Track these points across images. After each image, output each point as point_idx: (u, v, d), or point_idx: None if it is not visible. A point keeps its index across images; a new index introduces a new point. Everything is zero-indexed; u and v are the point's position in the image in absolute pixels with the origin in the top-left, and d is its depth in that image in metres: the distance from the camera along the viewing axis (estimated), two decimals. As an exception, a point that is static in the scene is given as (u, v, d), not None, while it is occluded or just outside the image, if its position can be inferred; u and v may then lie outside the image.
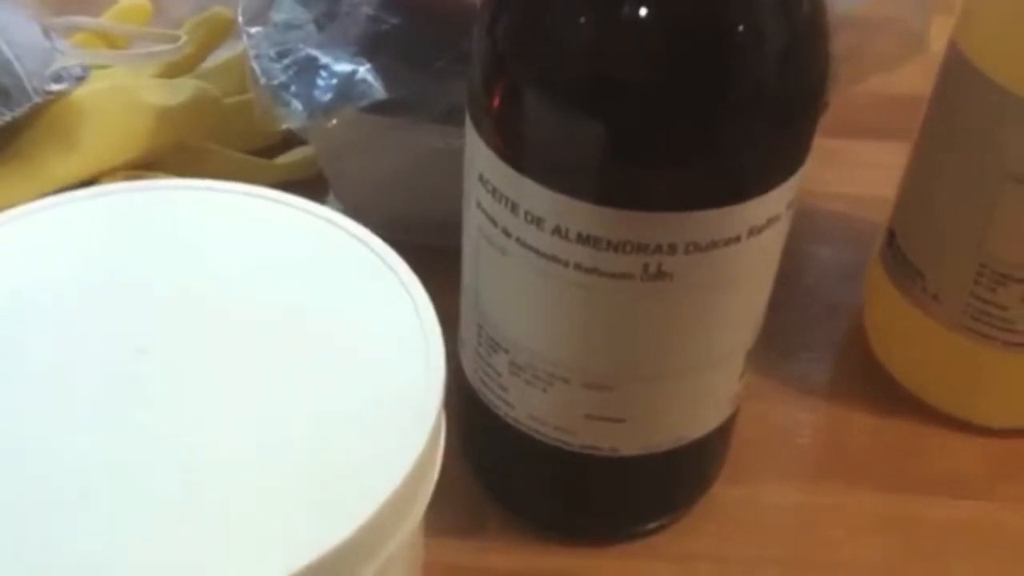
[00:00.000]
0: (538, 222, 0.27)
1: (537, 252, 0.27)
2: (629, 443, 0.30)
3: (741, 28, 0.25)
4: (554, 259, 0.27)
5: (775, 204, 0.27)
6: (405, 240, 0.33)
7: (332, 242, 0.26)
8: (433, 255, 0.32)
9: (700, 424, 0.31)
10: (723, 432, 0.32)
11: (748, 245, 0.27)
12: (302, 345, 0.23)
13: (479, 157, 0.28)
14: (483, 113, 0.27)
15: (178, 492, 0.20)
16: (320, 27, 0.38)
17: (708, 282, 0.27)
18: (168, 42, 0.45)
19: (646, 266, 0.27)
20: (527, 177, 0.26)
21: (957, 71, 0.33)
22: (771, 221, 0.27)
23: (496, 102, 0.27)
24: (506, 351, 0.30)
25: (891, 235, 0.38)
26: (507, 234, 0.28)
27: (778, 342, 0.40)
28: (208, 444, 0.21)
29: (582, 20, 0.25)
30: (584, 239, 0.26)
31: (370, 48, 0.36)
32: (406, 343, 0.23)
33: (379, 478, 0.21)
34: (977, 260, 0.34)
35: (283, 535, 0.20)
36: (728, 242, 0.27)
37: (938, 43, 0.35)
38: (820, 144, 0.49)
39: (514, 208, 0.27)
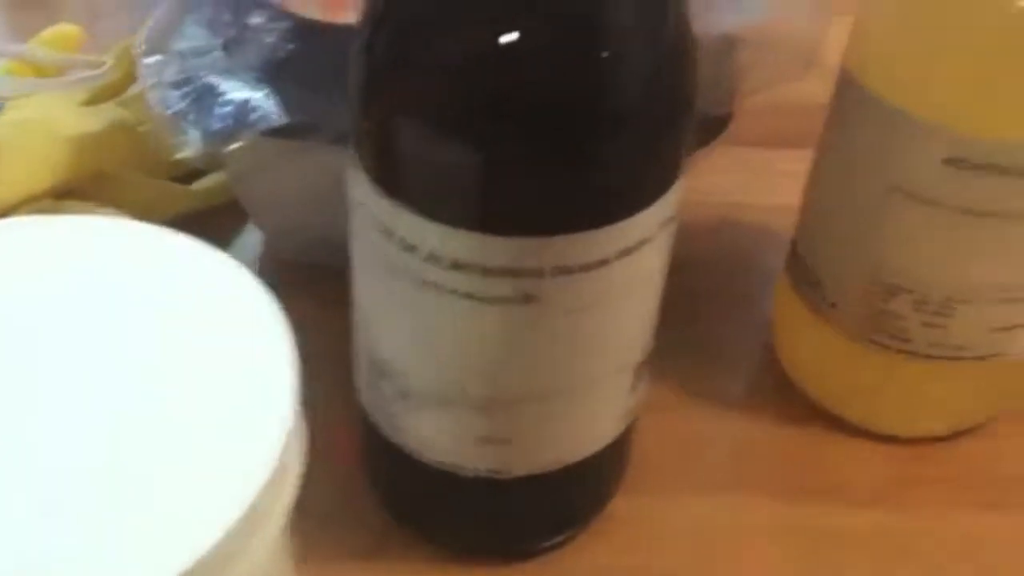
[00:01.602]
0: (411, 249, 0.27)
1: (413, 278, 0.28)
2: (518, 464, 0.31)
3: (599, 53, 0.25)
4: (430, 285, 0.27)
5: (645, 225, 0.27)
6: (327, 263, 0.33)
7: (192, 267, 0.26)
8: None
9: (590, 442, 0.31)
10: (618, 447, 0.33)
11: (619, 267, 0.27)
12: (157, 365, 0.23)
13: (355, 181, 0.28)
14: (355, 137, 0.28)
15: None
16: (228, 52, 0.38)
17: (580, 304, 0.27)
18: (93, 68, 0.46)
19: (517, 290, 0.27)
20: (398, 203, 0.27)
21: (846, 87, 0.34)
22: (643, 242, 0.27)
23: (364, 127, 0.27)
24: (391, 376, 0.30)
25: (794, 245, 0.38)
26: (385, 260, 0.28)
27: (693, 354, 0.41)
28: (52, 461, 0.21)
29: (443, 48, 0.25)
30: (456, 265, 0.27)
31: (273, 73, 0.36)
32: (260, 358, 0.23)
33: (232, 485, 0.21)
34: (870, 270, 0.34)
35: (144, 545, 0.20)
36: (596, 265, 0.27)
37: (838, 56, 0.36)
38: (743, 154, 0.50)
39: (389, 234, 0.27)
